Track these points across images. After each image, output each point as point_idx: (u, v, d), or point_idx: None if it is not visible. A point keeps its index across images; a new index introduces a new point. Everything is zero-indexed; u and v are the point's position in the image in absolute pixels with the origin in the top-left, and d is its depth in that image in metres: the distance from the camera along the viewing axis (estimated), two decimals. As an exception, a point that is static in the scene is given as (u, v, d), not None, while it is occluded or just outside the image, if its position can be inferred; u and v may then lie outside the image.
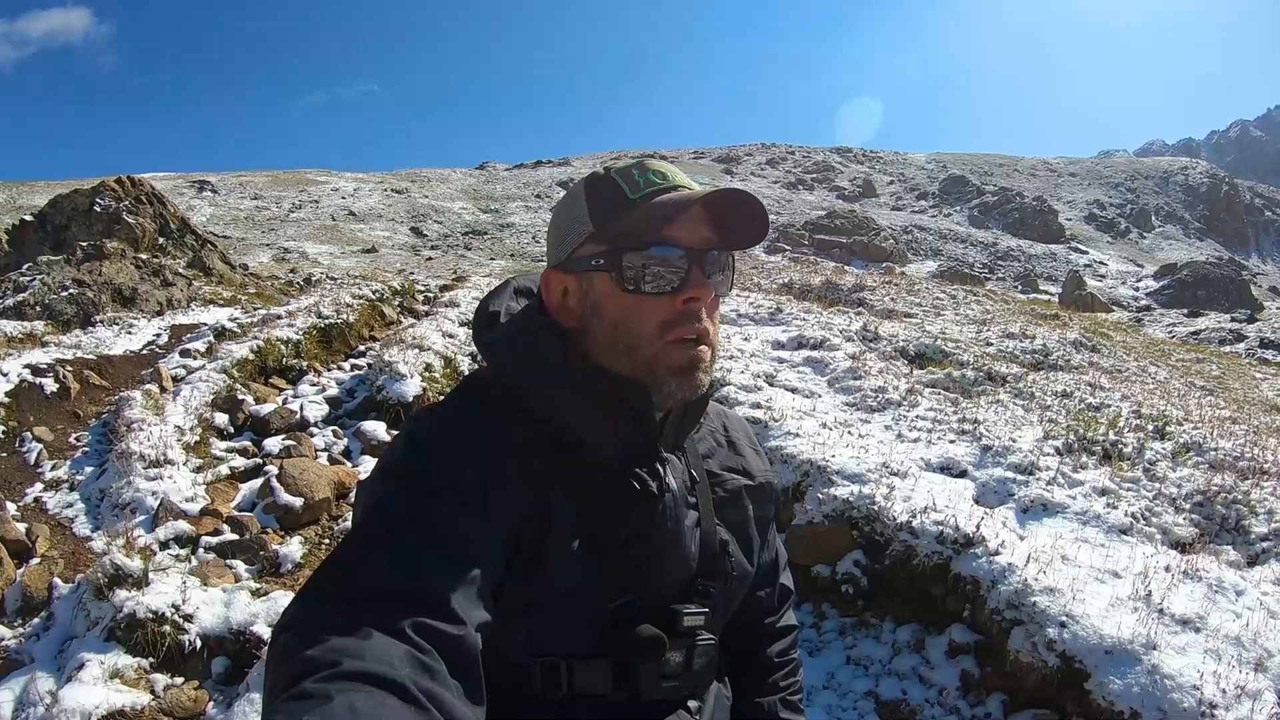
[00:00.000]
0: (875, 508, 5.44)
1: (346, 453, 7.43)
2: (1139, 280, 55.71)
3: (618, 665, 1.29)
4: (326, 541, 5.80)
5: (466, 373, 7.68)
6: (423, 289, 17.35)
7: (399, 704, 0.85)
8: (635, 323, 1.28)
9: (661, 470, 1.36)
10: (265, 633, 4.32)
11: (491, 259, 42.26)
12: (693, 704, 1.41)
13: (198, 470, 6.59)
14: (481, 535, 1.14)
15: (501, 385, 1.34)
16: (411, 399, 8.07)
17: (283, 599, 4.59)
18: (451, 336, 10.43)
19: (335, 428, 7.93)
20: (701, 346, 1.30)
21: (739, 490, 1.52)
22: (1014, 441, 6.59)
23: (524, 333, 1.34)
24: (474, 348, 1.44)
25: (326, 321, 11.11)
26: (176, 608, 4.36)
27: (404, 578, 1.03)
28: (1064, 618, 4.07)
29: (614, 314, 1.29)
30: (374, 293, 14.06)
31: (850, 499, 5.57)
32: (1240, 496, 5.81)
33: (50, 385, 7.79)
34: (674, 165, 1.36)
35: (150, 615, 4.26)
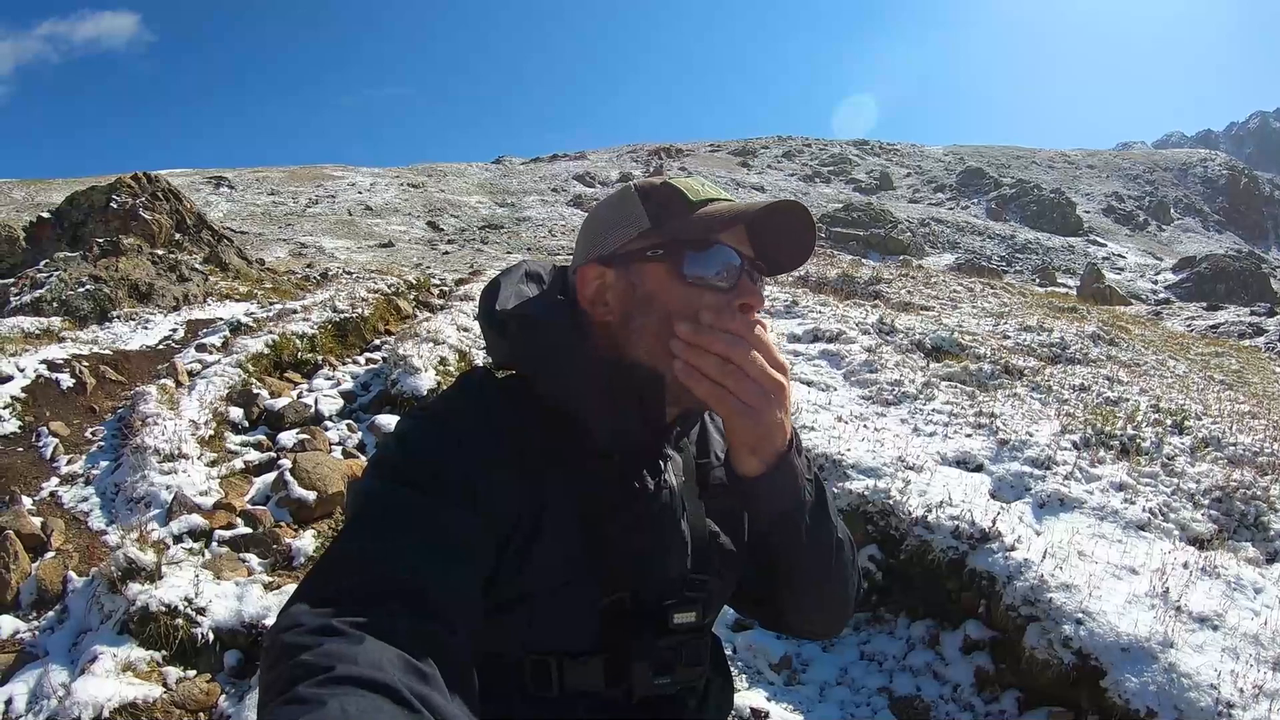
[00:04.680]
0: (890, 502, 5.41)
1: (361, 447, 7.43)
2: (1157, 273, 55.36)
3: (610, 662, 1.28)
4: (339, 535, 5.82)
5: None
6: (438, 283, 17.39)
7: (392, 707, 0.85)
8: (689, 313, 1.26)
9: (663, 466, 1.35)
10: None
11: (508, 253, 42.25)
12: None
13: (212, 464, 6.61)
14: (470, 530, 1.14)
15: (501, 374, 1.34)
16: (426, 393, 8.05)
17: (295, 593, 4.60)
18: (466, 330, 10.42)
19: (350, 422, 7.94)
20: None
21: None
22: (1031, 435, 6.54)
23: (543, 312, 1.34)
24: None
25: (342, 316, 11.14)
26: (189, 601, 4.38)
27: (393, 576, 1.03)
28: (1080, 614, 4.04)
29: (668, 304, 1.28)
30: (389, 287, 14.09)
31: (865, 493, 5.55)
32: (1260, 492, 5.75)
33: (66, 380, 7.83)
34: (702, 177, 1.36)
35: (163, 609, 4.27)
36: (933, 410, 7.45)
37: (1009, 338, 11.50)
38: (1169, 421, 7.27)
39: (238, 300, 13.13)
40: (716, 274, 1.27)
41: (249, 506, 5.99)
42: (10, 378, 7.46)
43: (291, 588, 4.73)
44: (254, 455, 7.00)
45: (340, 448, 7.31)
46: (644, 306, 1.30)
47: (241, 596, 4.55)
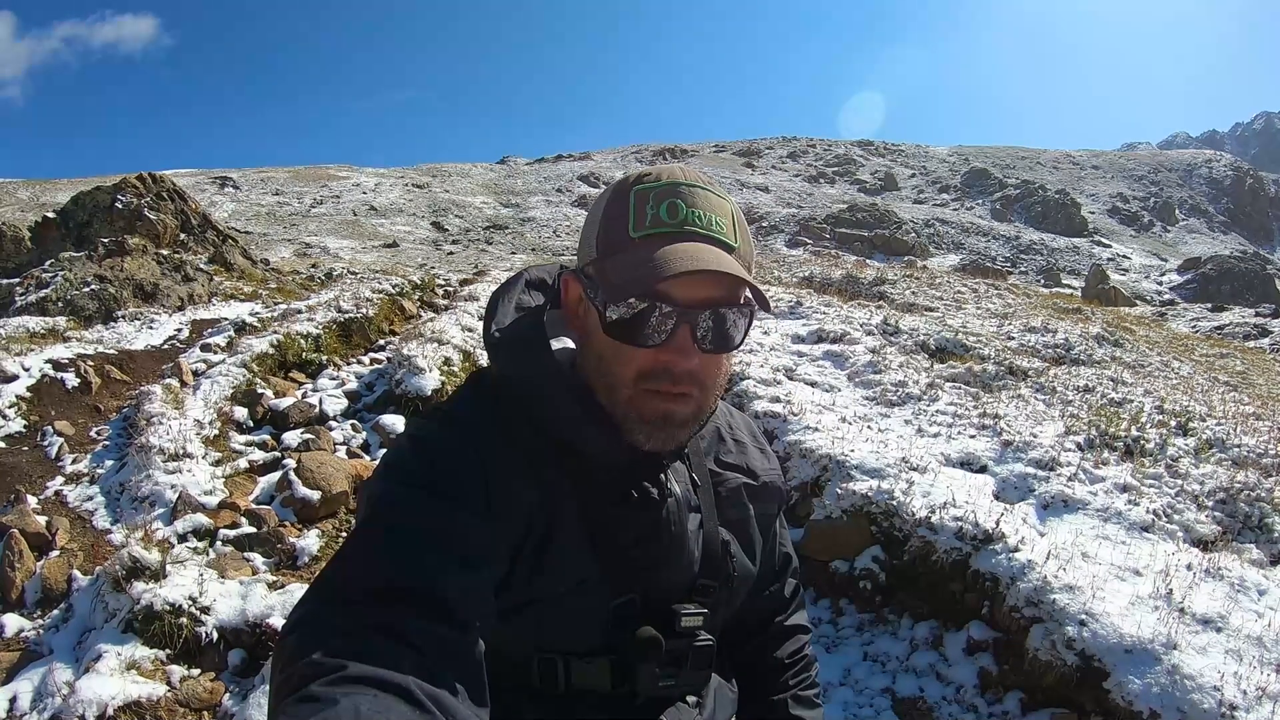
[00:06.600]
0: (894, 503, 5.40)
1: (365, 446, 7.45)
2: (1162, 274, 55.36)
3: (616, 663, 1.28)
4: (343, 535, 5.81)
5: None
6: (443, 283, 17.41)
7: (404, 707, 0.86)
8: (614, 364, 1.24)
9: (664, 477, 1.34)
10: (281, 625, 4.34)
11: (513, 253, 42.35)
12: (691, 698, 1.40)
13: (216, 464, 6.62)
14: (483, 535, 1.14)
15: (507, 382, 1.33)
16: (430, 392, 8.07)
17: (299, 592, 4.60)
18: (470, 330, 10.43)
19: (354, 421, 7.96)
20: (679, 404, 1.24)
21: (739, 489, 1.50)
22: (1035, 437, 6.53)
23: (527, 334, 1.33)
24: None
25: (346, 316, 11.16)
26: (194, 600, 4.39)
27: (407, 579, 1.03)
28: (1083, 616, 4.03)
29: (599, 348, 1.26)
30: (394, 287, 14.11)
31: (869, 494, 5.54)
32: (1264, 494, 5.73)
33: (72, 380, 7.85)
34: (701, 178, 1.29)
35: (167, 607, 4.28)
36: (937, 411, 7.44)
37: (1013, 339, 11.49)
38: (1173, 423, 7.25)
39: (242, 300, 13.16)
40: (637, 332, 1.20)
41: (253, 506, 6.01)
42: (15, 377, 7.48)
43: (295, 587, 4.75)
44: (258, 455, 7.01)
45: (345, 447, 7.33)
46: (589, 339, 1.29)
47: (246, 595, 4.56)
